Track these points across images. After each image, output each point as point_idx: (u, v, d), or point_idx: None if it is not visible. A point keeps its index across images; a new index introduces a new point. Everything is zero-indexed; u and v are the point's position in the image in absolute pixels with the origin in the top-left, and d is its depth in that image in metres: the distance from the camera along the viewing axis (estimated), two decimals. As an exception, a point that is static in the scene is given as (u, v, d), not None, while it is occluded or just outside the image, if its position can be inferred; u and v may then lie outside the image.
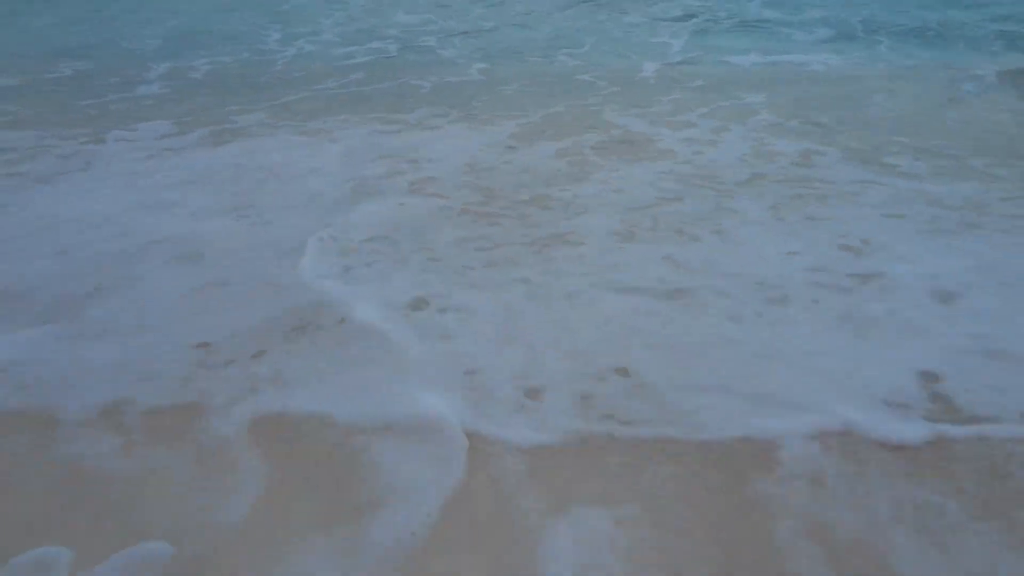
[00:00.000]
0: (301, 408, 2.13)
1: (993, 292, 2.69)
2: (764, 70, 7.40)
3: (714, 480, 1.81)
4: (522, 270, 2.97)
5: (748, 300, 2.69)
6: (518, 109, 5.81)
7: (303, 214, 3.65)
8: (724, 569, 1.55)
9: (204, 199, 3.92)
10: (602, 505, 1.73)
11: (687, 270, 2.95)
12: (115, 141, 5.06)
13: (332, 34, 9.81)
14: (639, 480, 1.82)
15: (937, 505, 1.64)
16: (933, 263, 2.94)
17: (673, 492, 1.77)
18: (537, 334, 2.47)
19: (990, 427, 1.87)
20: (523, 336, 2.46)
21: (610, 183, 4.04)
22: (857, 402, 2.02)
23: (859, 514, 1.64)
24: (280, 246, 3.26)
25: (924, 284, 2.75)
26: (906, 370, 2.18)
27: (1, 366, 2.41)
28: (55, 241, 3.38)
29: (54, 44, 9.19)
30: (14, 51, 8.81)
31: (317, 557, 1.61)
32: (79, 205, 3.85)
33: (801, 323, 2.51)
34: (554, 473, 1.85)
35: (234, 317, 2.65)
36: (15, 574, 1.58)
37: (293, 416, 2.10)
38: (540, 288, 2.81)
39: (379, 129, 5.33)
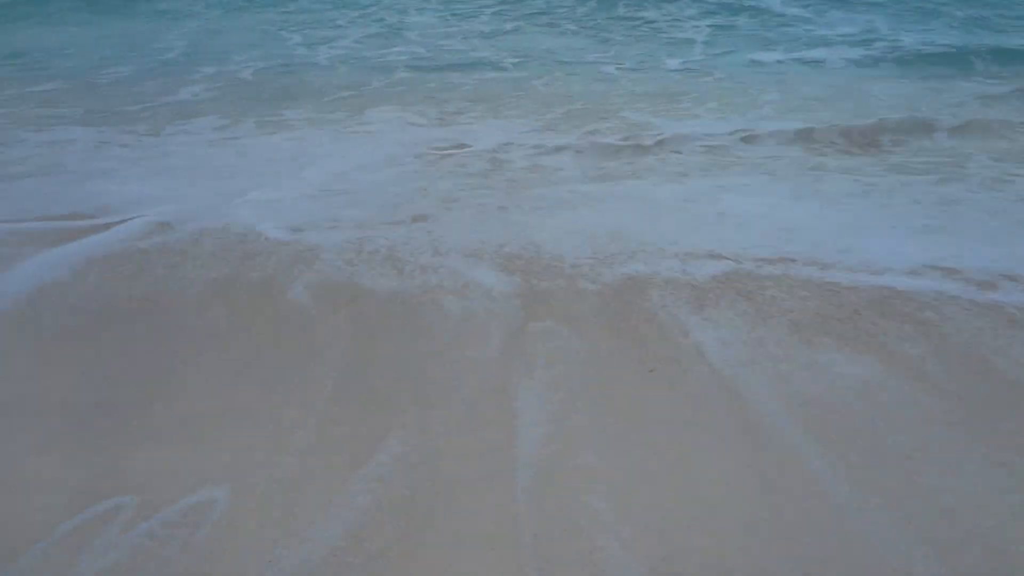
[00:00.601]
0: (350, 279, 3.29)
1: (788, 208, 4.11)
2: (783, 68, 8.13)
3: (610, 302, 3.03)
4: (495, 201, 4.28)
5: (633, 205, 4.14)
6: (544, 104, 6.63)
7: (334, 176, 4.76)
8: (625, 346, 2.73)
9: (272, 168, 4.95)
10: (544, 322, 2.89)
11: (606, 196, 4.35)
12: (171, 134, 5.90)
13: (354, 38, 10.61)
14: (560, 307, 3.00)
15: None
16: (768, 199, 4.26)
17: (585, 312, 2.96)
18: (491, 229, 3.81)
19: (732, 264, 3.31)
20: (482, 231, 3.78)
21: (592, 153, 5.14)
22: (686, 255, 3.43)
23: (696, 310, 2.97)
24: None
25: (754, 208, 4.11)
26: (713, 242, 3.57)
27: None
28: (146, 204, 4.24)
29: (82, 50, 10.06)
30: (46, 58, 9.72)
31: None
32: (156, 182, 4.68)
33: (663, 219, 3.93)
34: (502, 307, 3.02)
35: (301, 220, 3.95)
36: (91, 520, 2.01)
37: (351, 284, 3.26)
38: (502, 206, 4.17)
39: (415, 123, 6.16)
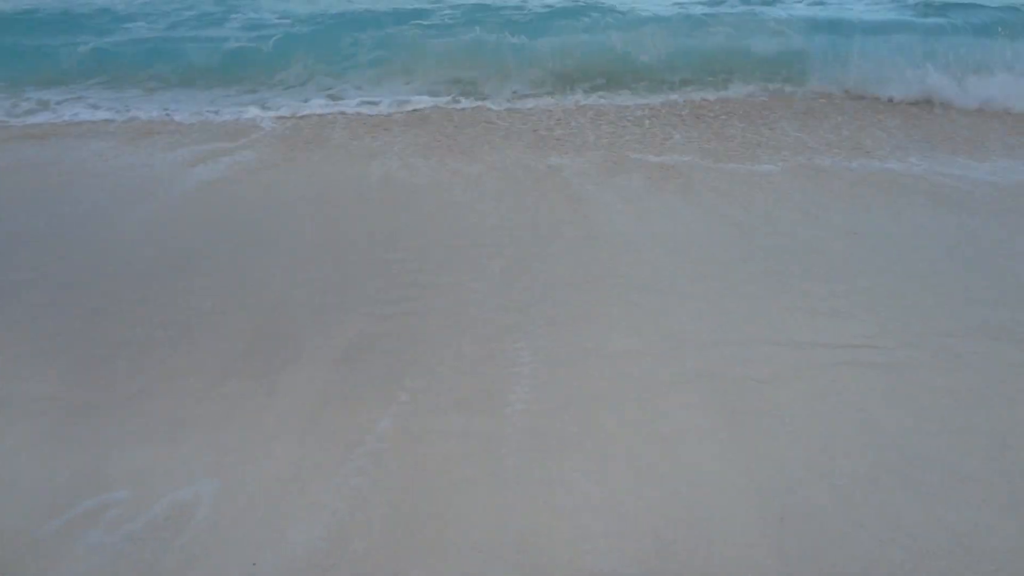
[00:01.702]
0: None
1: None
2: (802, 25, 9.13)
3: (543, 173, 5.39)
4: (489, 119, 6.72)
5: (616, 118, 6.54)
6: (568, 57, 8.38)
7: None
8: (544, 191, 5.21)
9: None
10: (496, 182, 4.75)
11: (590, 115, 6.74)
12: (253, 88, 7.78)
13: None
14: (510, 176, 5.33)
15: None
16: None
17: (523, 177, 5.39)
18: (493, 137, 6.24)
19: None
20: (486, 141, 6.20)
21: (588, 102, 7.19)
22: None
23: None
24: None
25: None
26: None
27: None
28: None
29: (109, 14, 10.42)
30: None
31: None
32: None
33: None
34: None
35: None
36: (84, 517, 2.37)
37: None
38: (504, 127, 6.54)
39: (447, 79, 8.06)
